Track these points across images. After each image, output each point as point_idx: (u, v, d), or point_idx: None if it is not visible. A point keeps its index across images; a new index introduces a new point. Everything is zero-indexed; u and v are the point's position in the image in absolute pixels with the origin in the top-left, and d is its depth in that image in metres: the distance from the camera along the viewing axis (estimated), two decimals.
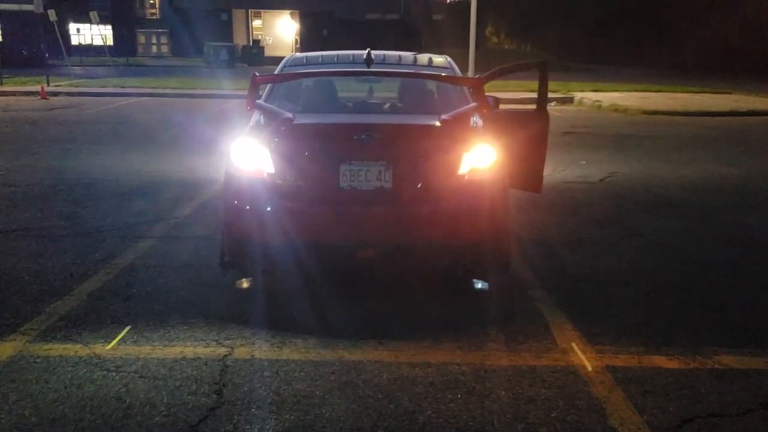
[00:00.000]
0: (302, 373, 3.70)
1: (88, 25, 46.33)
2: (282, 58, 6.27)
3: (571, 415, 3.30)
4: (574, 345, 4.10)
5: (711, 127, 15.22)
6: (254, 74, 4.84)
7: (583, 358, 3.93)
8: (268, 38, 57.70)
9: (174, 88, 22.58)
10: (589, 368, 3.80)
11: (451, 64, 5.89)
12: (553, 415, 3.31)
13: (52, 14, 24.23)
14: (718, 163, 10.58)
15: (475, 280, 4.87)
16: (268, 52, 48.97)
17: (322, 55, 5.98)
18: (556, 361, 3.90)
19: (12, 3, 33.55)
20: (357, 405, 3.38)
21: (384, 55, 5.88)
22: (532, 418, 3.27)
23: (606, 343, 4.13)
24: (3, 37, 32.38)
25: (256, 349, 4.00)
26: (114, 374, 3.64)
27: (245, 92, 4.94)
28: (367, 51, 5.39)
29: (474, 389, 3.55)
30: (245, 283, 4.88)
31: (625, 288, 5.09)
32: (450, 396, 3.48)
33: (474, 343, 4.11)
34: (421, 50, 8.28)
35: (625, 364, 3.86)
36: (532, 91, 22.27)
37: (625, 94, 22.29)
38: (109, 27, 55.35)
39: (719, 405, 3.44)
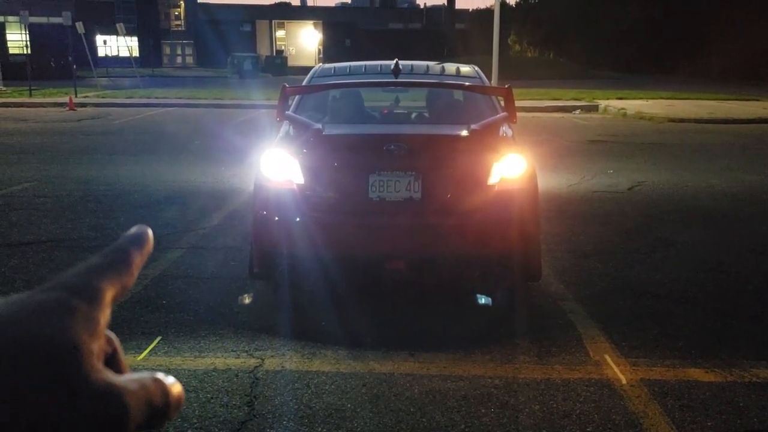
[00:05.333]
0: (333, 386, 3.68)
1: (115, 36, 46.98)
2: (305, 67, 6.32)
3: (608, 431, 3.24)
4: (607, 357, 4.03)
5: (740, 135, 15.02)
6: (284, 86, 4.86)
7: (617, 371, 3.86)
8: (291, 48, 58.12)
9: (199, 99, 22.77)
10: (624, 381, 3.74)
11: (478, 74, 5.87)
12: (588, 430, 3.25)
13: (80, 26, 24.58)
14: (749, 171, 10.42)
15: (478, 296, 4.82)
16: (291, 62, 49.35)
17: (349, 66, 5.98)
18: (590, 374, 3.84)
19: (41, 15, 34.10)
20: (389, 419, 3.35)
21: (411, 65, 5.87)
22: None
23: (640, 355, 4.06)
24: (32, 49, 32.85)
25: (286, 360, 3.98)
26: None
27: (269, 102, 4.99)
28: (394, 61, 5.38)
29: (507, 403, 3.50)
30: (247, 299, 4.96)
31: (658, 299, 5.01)
32: (483, 410, 3.43)
33: (506, 356, 4.06)
34: (444, 59, 8.27)
35: (660, 377, 3.80)
36: (556, 99, 22.21)
37: (651, 101, 22.10)
38: (135, 39, 56.04)
39: (759, 420, 3.36)
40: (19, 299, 0.42)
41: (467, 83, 5.48)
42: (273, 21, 59.42)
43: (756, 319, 4.67)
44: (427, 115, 5.93)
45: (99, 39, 51.14)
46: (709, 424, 3.32)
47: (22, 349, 0.39)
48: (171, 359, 3.98)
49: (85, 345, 0.41)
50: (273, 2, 68.57)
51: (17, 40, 34.72)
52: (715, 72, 38.33)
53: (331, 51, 51.06)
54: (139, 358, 3.98)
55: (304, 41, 58.38)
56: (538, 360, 4.01)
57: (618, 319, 4.62)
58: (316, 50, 56.39)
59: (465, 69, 5.98)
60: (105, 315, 0.45)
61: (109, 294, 0.46)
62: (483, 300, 4.74)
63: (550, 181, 9.05)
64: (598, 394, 3.60)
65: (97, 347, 0.43)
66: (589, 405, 3.48)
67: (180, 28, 68.23)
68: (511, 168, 4.55)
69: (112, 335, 0.47)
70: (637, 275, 5.54)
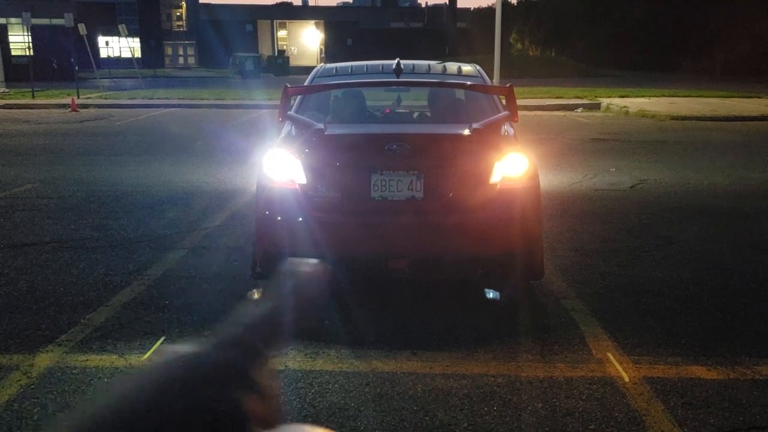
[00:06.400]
0: (336, 385, 3.69)
1: (117, 38, 47.05)
2: (307, 67, 6.33)
3: (610, 428, 3.25)
4: (610, 355, 4.04)
5: (742, 132, 15.01)
6: (286, 86, 4.86)
7: (620, 368, 3.87)
8: (293, 48, 58.16)
9: (201, 99, 22.80)
10: (627, 379, 3.75)
11: (480, 73, 5.87)
12: (591, 428, 3.26)
13: (82, 28, 24.61)
14: (751, 169, 10.42)
15: (486, 290, 4.76)
16: (293, 62, 49.38)
17: (351, 66, 5.99)
18: (593, 372, 3.85)
19: (43, 17, 34.18)
20: (392, 417, 3.36)
21: (413, 64, 5.87)
22: None
23: (643, 353, 4.07)
24: (34, 51, 32.93)
25: (289, 359, 4.00)
26: None
27: (271, 102, 5.00)
28: (396, 61, 5.39)
29: (510, 401, 3.51)
30: (257, 294, 4.87)
31: (660, 297, 5.01)
32: (486, 408, 3.44)
33: (508, 354, 4.07)
34: (445, 58, 8.26)
35: (663, 375, 3.80)
36: (558, 97, 22.20)
37: (653, 99, 22.08)
38: (137, 40, 56.13)
39: (761, 417, 3.37)
40: (193, 362, 0.42)
41: (469, 82, 5.48)
42: (275, 21, 59.46)
43: (758, 316, 4.67)
44: (429, 114, 5.93)
45: (101, 40, 51.23)
46: (711, 421, 3.33)
47: (196, 418, 0.40)
48: None
49: (253, 412, 0.42)
50: (275, 2, 68.60)
51: (19, 41, 34.81)
52: (719, 70, 38.27)
53: (332, 51, 51.07)
54: (143, 358, 4.00)
55: (306, 41, 58.42)
56: (541, 358, 4.02)
57: (620, 317, 4.63)
58: (318, 50, 56.41)
59: (466, 68, 5.99)
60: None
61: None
62: (491, 294, 4.69)
63: (553, 180, 9.06)
64: (601, 392, 3.61)
65: (262, 409, 0.43)
66: (592, 403, 3.49)
67: (182, 29, 68.29)
68: (512, 167, 4.55)
69: (273, 382, 0.46)
70: (640, 273, 5.54)
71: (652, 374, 3.80)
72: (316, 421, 3.32)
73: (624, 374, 3.80)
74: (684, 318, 4.63)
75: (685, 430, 3.24)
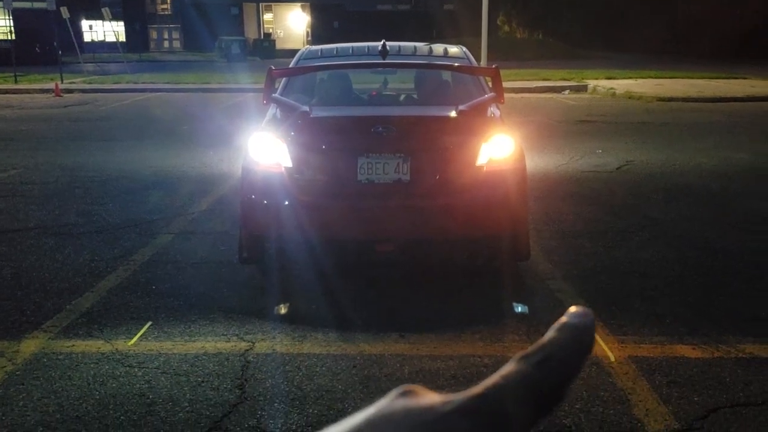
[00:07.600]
0: (324, 368, 3.70)
1: (101, 21, 46.53)
2: (293, 50, 6.26)
3: (596, 407, 3.27)
4: (596, 336, 4.05)
5: (727, 113, 15.06)
6: (270, 68, 4.82)
7: (606, 348, 3.90)
8: (279, 31, 57.68)
9: (187, 83, 22.61)
10: (612, 359, 3.77)
11: (466, 54, 5.85)
12: (577, 407, 3.28)
13: (64, 11, 24.29)
14: (737, 149, 10.46)
15: (515, 304, 4.68)
16: (279, 45, 49.01)
17: (336, 48, 5.95)
18: None
19: (25, 1, 33.73)
20: (379, 399, 3.37)
21: (399, 46, 5.84)
22: (556, 411, 3.25)
23: (628, 333, 4.10)
24: (16, 35, 32.50)
25: (277, 343, 4.00)
26: (136, 370, 3.65)
27: (257, 86, 4.94)
28: (382, 42, 5.36)
29: None
30: (283, 309, 4.60)
31: (645, 278, 5.04)
32: None
33: (495, 335, 4.09)
34: (432, 40, 8.22)
35: (648, 354, 3.83)
36: (545, 79, 22.18)
37: (640, 81, 22.08)
38: (122, 23, 55.48)
39: (745, 394, 3.41)
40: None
41: (455, 64, 5.46)
42: (260, 4, 58.90)
43: (742, 295, 4.71)
44: (415, 96, 5.92)
45: (84, 24, 50.62)
46: (695, 399, 3.36)
47: None
48: (161, 344, 3.98)
49: None
50: None
51: (1, 25, 34.35)
52: (707, 52, 38.29)
53: (319, 33, 50.71)
54: (129, 344, 3.98)
55: (292, 24, 57.95)
56: (527, 338, 4.04)
57: (606, 298, 4.65)
58: (305, 33, 55.97)
59: (453, 50, 5.96)
60: None
61: None
62: (520, 309, 4.61)
63: (539, 162, 9.07)
64: (587, 371, 3.63)
65: None
66: (578, 382, 3.51)
67: (166, 12, 67.55)
68: (499, 149, 4.55)
69: None
70: (625, 254, 5.57)
71: (637, 354, 3.83)
72: (302, 404, 3.33)
73: (610, 354, 3.83)
74: (669, 298, 4.66)
75: (670, 407, 3.27)
